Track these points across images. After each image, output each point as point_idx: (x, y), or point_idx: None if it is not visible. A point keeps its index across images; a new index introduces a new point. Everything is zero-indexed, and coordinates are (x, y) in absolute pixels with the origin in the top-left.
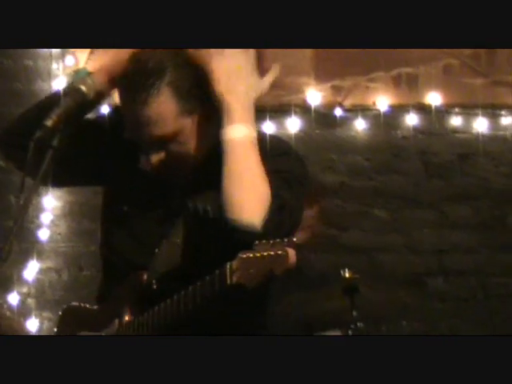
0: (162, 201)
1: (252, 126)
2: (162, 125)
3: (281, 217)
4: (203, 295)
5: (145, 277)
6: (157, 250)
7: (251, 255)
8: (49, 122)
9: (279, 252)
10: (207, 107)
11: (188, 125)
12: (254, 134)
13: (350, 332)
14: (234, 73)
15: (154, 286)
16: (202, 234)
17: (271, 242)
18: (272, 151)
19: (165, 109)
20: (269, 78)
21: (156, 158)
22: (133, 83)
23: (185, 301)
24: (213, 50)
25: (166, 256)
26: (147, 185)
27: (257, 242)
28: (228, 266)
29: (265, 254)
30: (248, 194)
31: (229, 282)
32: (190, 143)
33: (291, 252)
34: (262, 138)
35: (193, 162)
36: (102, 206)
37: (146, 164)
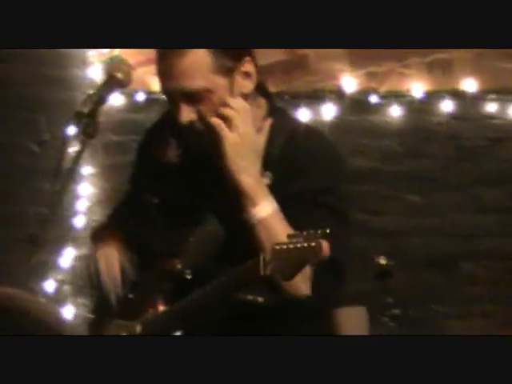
0: (193, 188)
1: (269, 195)
2: (195, 77)
3: (325, 268)
4: (235, 286)
5: (178, 265)
6: (191, 239)
7: (285, 247)
8: (85, 109)
9: (312, 244)
10: (244, 72)
11: (222, 85)
12: (275, 204)
13: (385, 319)
14: (241, 147)
15: (188, 276)
16: (236, 222)
17: (304, 233)
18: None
19: (199, 61)
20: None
21: (186, 116)
22: None
23: (216, 291)
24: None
25: (199, 244)
26: (177, 172)
27: (290, 233)
28: (261, 258)
29: (298, 245)
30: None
31: (262, 273)
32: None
33: (325, 243)
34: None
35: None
36: (130, 195)
37: (172, 154)
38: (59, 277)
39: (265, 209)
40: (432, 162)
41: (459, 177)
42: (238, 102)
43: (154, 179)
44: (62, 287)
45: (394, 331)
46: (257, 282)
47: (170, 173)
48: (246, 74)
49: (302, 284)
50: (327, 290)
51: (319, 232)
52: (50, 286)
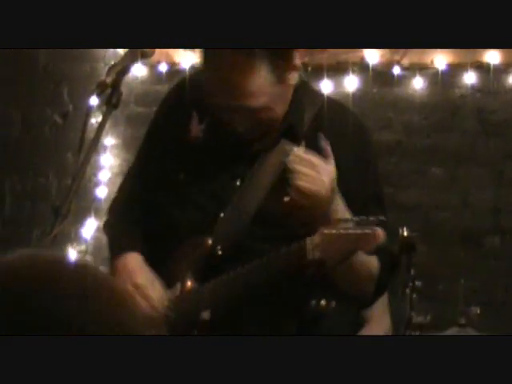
0: (226, 166)
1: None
2: (259, 96)
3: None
4: (278, 268)
5: (209, 242)
6: (222, 215)
7: (334, 231)
8: (108, 79)
9: (367, 231)
10: (293, 66)
11: (278, 95)
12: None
13: (407, 291)
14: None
15: (219, 252)
16: (271, 200)
17: (357, 218)
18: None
19: (263, 79)
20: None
21: (242, 126)
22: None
23: (256, 273)
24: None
25: (231, 221)
26: (202, 148)
27: (341, 217)
28: (309, 241)
29: (350, 232)
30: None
31: (310, 256)
32: (278, 108)
33: (380, 231)
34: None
35: (277, 126)
36: (157, 171)
37: (196, 131)
38: (81, 247)
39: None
40: (457, 135)
41: (485, 151)
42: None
43: (177, 155)
44: (83, 258)
45: (415, 304)
46: (302, 266)
47: (195, 149)
48: (294, 67)
49: (368, 283)
50: (385, 286)
51: (373, 219)
52: (71, 256)
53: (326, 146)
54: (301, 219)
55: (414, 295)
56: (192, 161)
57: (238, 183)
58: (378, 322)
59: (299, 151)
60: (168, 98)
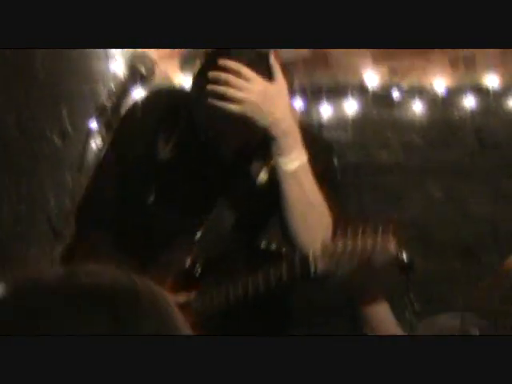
0: (194, 180)
1: (301, 144)
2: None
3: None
4: (279, 283)
5: (188, 260)
6: (200, 233)
7: (338, 242)
8: (108, 103)
9: (378, 239)
10: None
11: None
12: (306, 159)
13: (406, 314)
14: (268, 97)
15: (199, 271)
16: (250, 212)
17: (363, 227)
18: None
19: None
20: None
21: (232, 149)
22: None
23: (253, 287)
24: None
25: (210, 238)
26: (172, 166)
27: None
28: (311, 253)
29: (359, 242)
30: (312, 226)
31: (313, 270)
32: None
33: (391, 238)
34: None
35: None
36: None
37: (164, 149)
38: None
39: (295, 160)
40: (455, 155)
41: (483, 170)
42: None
43: (145, 176)
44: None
45: (414, 328)
46: (308, 280)
47: (164, 168)
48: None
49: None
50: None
51: (381, 226)
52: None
53: (275, 63)
54: (244, 134)
55: (414, 319)
56: (161, 180)
57: (213, 198)
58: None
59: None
60: (133, 112)
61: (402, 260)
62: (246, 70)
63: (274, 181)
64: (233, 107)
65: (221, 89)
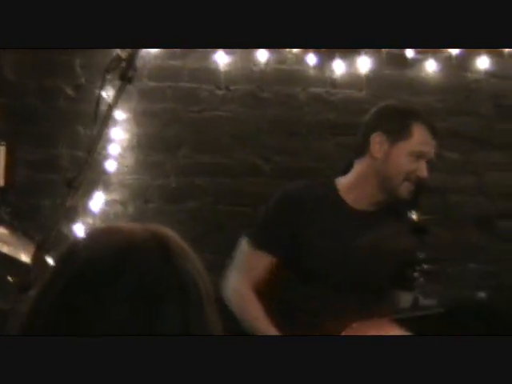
0: None
1: None
2: None
3: None
4: None
5: None
6: None
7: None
8: (123, 54)
9: None
10: None
11: None
12: None
13: (415, 274)
14: None
15: None
16: None
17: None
18: None
19: None
20: None
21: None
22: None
23: None
24: None
25: None
26: None
27: None
28: None
29: None
30: None
31: None
32: None
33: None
34: None
35: None
36: None
37: None
38: (89, 220)
39: None
40: (471, 119)
41: (498, 135)
42: None
43: None
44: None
45: (422, 286)
46: None
47: None
48: None
49: None
50: None
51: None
52: (79, 229)
53: None
54: None
55: (422, 279)
56: None
57: None
58: None
59: None
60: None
61: (414, 223)
62: None
63: None
64: None
65: None
